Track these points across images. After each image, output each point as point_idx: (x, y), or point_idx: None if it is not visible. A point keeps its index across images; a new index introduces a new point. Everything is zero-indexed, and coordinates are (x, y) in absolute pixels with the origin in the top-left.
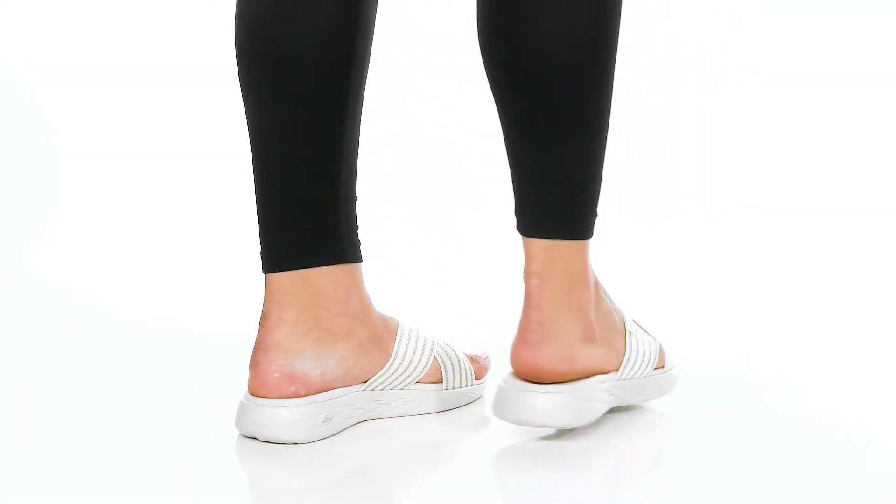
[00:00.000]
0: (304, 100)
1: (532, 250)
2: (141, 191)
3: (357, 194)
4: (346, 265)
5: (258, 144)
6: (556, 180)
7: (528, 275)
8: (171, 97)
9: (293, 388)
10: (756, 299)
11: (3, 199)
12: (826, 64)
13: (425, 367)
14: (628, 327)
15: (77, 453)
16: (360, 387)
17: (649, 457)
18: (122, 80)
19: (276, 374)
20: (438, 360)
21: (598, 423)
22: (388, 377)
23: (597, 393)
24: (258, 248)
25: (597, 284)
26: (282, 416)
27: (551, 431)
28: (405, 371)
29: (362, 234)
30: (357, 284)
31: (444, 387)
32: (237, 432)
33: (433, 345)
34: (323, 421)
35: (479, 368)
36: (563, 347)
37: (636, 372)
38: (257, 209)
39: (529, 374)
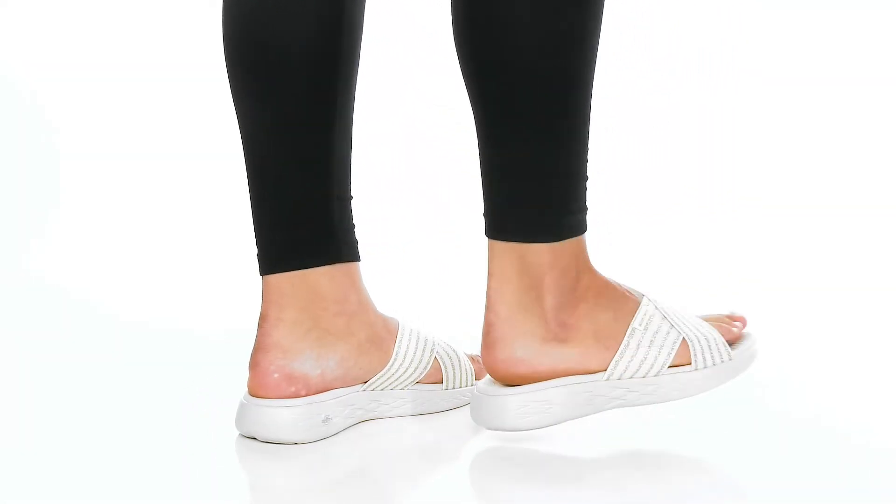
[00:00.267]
0: (293, 100)
1: (490, 251)
2: (141, 191)
3: (352, 193)
4: (343, 265)
5: (249, 146)
6: (505, 182)
7: (487, 276)
8: (171, 97)
9: (293, 389)
10: (756, 299)
11: (3, 199)
12: (826, 64)
13: (426, 367)
14: (634, 324)
15: (77, 453)
16: (360, 387)
17: (649, 458)
18: (122, 80)
19: (276, 375)
20: (439, 360)
21: (599, 423)
22: (388, 377)
23: (559, 395)
24: (255, 249)
25: (591, 283)
26: (282, 416)
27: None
28: (406, 371)
29: (362, 234)
30: (355, 284)
31: (444, 387)
32: (237, 432)
33: (434, 345)
34: (323, 421)
35: (480, 368)
36: (520, 349)
37: (638, 371)
38: (252, 211)
39: (493, 377)
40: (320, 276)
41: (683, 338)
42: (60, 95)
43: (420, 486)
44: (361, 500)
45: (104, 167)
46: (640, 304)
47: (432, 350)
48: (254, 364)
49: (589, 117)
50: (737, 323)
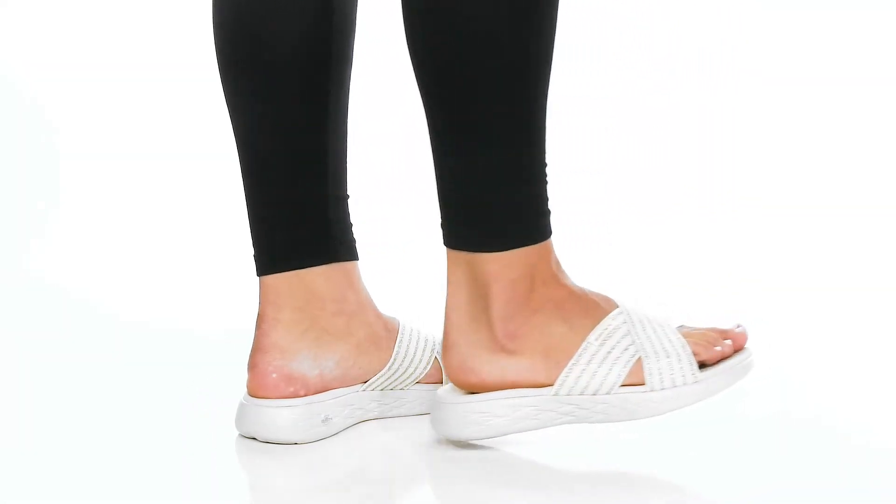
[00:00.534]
0: (284, 99)
1: (446, 258)
2: (141, 191)
3: (349, 192)
4: (340, 264)
5: (243, 147)
6: (451, 190)
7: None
8: (171, 97)
9: (291, 389)
10: (756, 299)
11: (4, 199)
12: (826, 64)
13: (426, 367)
14: (590, 338)
15: (77, 453)
16: (359, 387)
17: (648, 459)
18: (122, 80)
19: (274, 375)
20: (439, 360)
21: (598, 424)
22: (388, 377)
23: (500, 408)
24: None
25: (551, 294)
26: (281, 416)
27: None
28: (406, 371)
29: (363, 234)
30: (353, 283)
31: None
32: (237, 432)
33: (434, 345)
34: (322, 421)
35: None
36: (470, 357)
37: (588, 388)
38: (247, 211)
39: (452, 382)
40: (317, 276)
41: (640, 356)
42: (60, 95)
43: (420, 486)
44: (361, 500)
45: (104, 167)
46: (605, 317)
47: (433, 350)
48: (252, 365)
49: (542, 123)
50: (727, 341)
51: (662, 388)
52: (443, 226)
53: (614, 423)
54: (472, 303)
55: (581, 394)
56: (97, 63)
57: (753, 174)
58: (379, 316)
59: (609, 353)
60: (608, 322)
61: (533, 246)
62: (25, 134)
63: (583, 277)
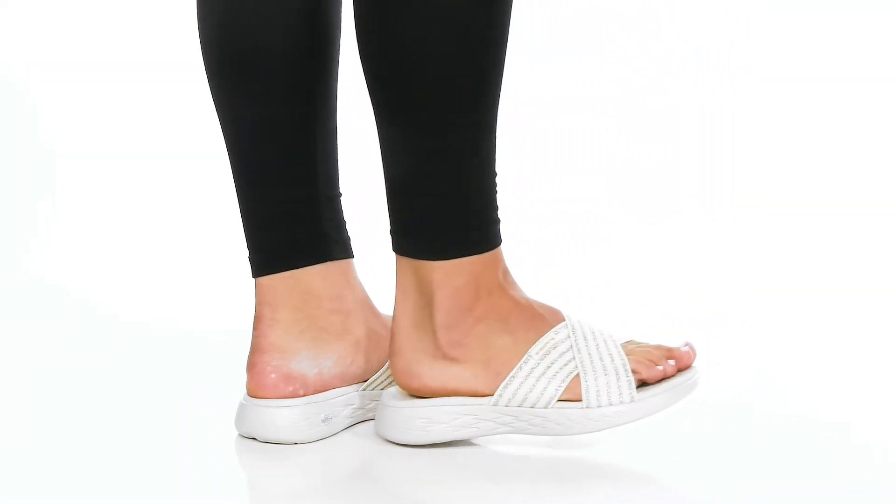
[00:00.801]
0: (271, 101)
1: (396, 263)
2: (141, 191)
3: (341, 190)
4: (336, 262)
5: (232, 149)
6: (395, 196)
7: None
8: (171, 97)
9: (291, 388)
10: (741, 301)
11: (3, 199)
12: (825, 63)
13: None
14: (531, 352)
15: (77, 453)
16: (359, 386)
17: (646, 459)
18: (122, 80)
19: (273, 376)
20: None
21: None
22: (388, 376)
23: (440, 415)
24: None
25: (495, 305)
26: (281, 416)
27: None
28: None
29: (363, 234)
30: (350, 281)
31: None
32: (237, 432)
33: None
34: (323, 421)
35: None
36: (413, 363)
37: (526, 400)
38: (240, 212)
39: (398, 386)
40: (313, 276)
41: (578, 372)
42: (60, 95)
43: (420, 487)
44: (361, 500)
45: (104, 167)
46: (549, 330)
47: None
48: (251, 366)
49: (491, 134)
50: (670, 361)
51: (599, 406)
52: (391, 232)
53: (551, 436)
54: (417, 309)
55: (519, 406)
56: (97, 63)
57: (753, 174)
58: (377, 314)
59: (549, 367)
60: (551, 336)
61: (478, 255)
62: (25, 134)
63: (569, 277)
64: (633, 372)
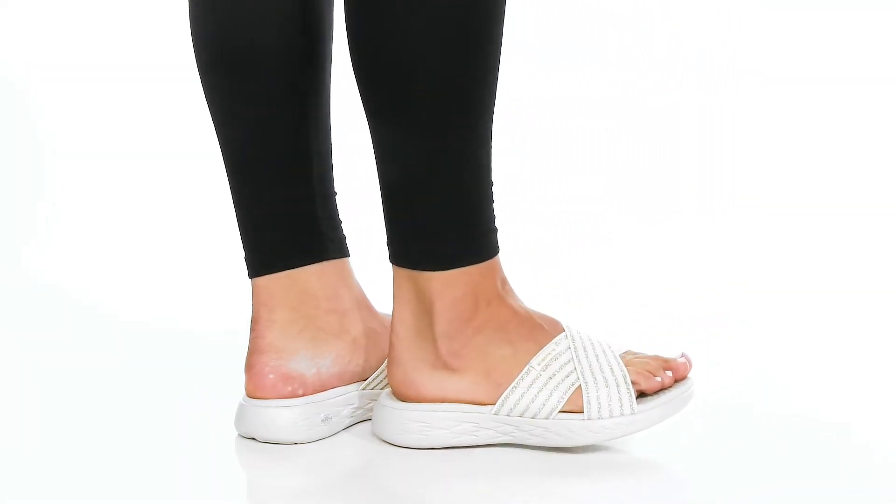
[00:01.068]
0: (264, 102)
1: (392, 274)
2: (141, 191)
3: (336, 190)
4: (332, 262)
5: (227, 150)
6: (391, 207)
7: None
8: (171, 97)
9: (290, 388)
10: (741, 301)
11: (3, 199)
12: (826, 64)
13: None
14: (533, 363)
15: (77, 453)
16: (358, 385)
17: (646, 459)
18: (121, 80)
19: (272, 376)
20: None
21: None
22: (386, 374)
23: (439, 420)
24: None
25: (494, 315)
26: (281, 416)
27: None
28: None
29: (362, 235)
30: (346, 280)
31: None
32: (237, 433)
33: None
34: (322, 420)
35: None
36: (412, 372)
37: (527, 411)
38: (235, 213)
39: (395, 396)
40: (310, 275)
41: (580, 384)
42: (60, 96)
43: (420, 487)
44: (361, 500)
45: (104, 167)
46: (550, 341)
47: None
48: (249, 367)
49: (487, 142)
50: (668, 372)
51: (600, 418)
52: (388, 243)
53: (551, 447)
54: (416, 319)
55: (521, 416)
56: (97, 63)
57: (753, 174)
58: (374, 312)
59: (550, 378)
60: (551, 347)
61: (476, 265)
62: (25, 133)
63: (568, 277)
64: (633, 383)
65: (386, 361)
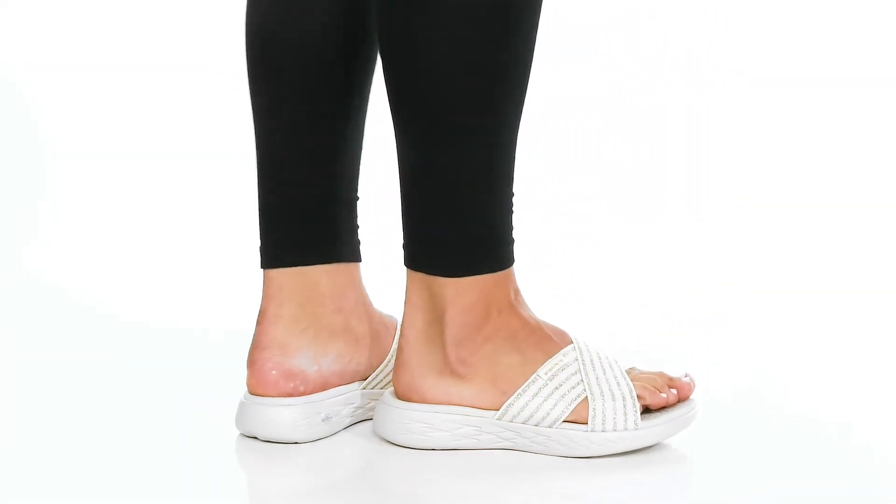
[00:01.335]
0: (305, 96)
1: (406, 277)
2: (141, 191)
3: (359, 194)
4: (344, 265)
5: (261, 143)
6: (409, 212)
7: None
8: (172, 97)
9: (291, 385)
10: (739, 301)
11: (3, 199)
12: (814, 64)
13: None
14: (539, 372)
15: (77, 453)
16: (359, 385)
17: (646, 459)
18: (122, 80)
19: (274, 372)
20: None
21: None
22: (387, 374)
23: (441, 422)
24: (258, 243)
25: (504, 325)
26: (282, 415)
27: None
28: None
29: (364, 234)
30: (354, 282)
31: None
32: (237, 432)
33: None
34: (323, 420)
35: None
36: (418, 377)
37: (531, 418)
38: (258, 203)
39: (399, 399)
40: (322, 275)
41: (587, 395)
42: (60, 95)
43: (421, 487)
44: (361, 500)
45: (104, 167)
46: (558, 352)
47: None
48: (251, 362)
49: (510, 157)
50: (673, 390)
51: (604, 430)
52: (404, 246)
53: (551, 455)
54: (428, 323)
55: (524, 423)
56: (97, 63)
57: (737, 175)
58: (377, 313)
59: (557, 388)
60: (559, 358)
61: (491, 274)
62: (25, 133)
63: (569, 277)
64: (638, 397)
65: (386, 360)
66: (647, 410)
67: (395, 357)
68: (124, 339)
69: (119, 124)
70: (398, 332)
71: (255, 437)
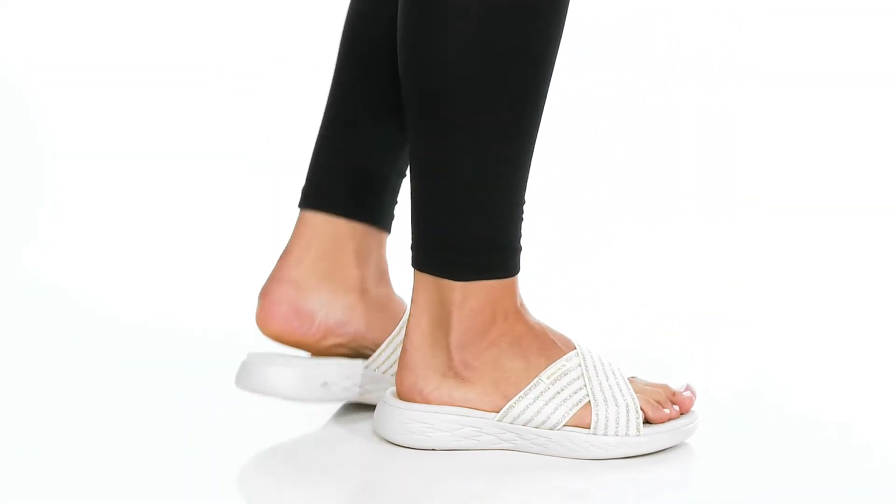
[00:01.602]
0: (382, 78)
1: (413, 279)
2: (141, 191)
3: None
4: (377, 230)
5: (335, 95)
6: (419, 215)
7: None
8: (172, 97)
9: (296, 323)
10: (741, 301)
11: (3, 199)
12: (826, 64)
13: None
14: (542, 376)
15: (77, 453)
16: (361, 362)
17: (646, 459)
18: (122, 80)
19: (284, 307)
20: None
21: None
22: (388, 357)
23: (442, 422)
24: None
25: (509, 330)
26: (282, 373)
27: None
28: None
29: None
30: (379, 249)
31: None
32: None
33: None
34: (322, 385)
35: None
36: (421, 380)
37: (533, 420)
38: (315, 147)
39: (401, 399)
40: (354, 230)
41: (589, 400)
42: (60, 95)
43: (421, 486)
44: (361, 499)
45: (104, 167)
46: (561, 357)
47: None
48: (264, 293)
49: (525, 165)
50: (675, 406)
51: (605, 435)
52: (413, 247)
53: (551, 457)
54: (433, 326)
55: (525, 425)
56: (97, 63)
57: (744, 175)
58: (392, 289)
59: (559, 392)
60: (562, 363)
61: (498, 280)
62: (25, 133)
63: (569, 278)
64: (641, 410)
65: (389, 339)
66: (646, 423)
67: (399, 343)
68: (124, 339)
69: (119, 124)
70: (405, 317)
71: (255, 392)
